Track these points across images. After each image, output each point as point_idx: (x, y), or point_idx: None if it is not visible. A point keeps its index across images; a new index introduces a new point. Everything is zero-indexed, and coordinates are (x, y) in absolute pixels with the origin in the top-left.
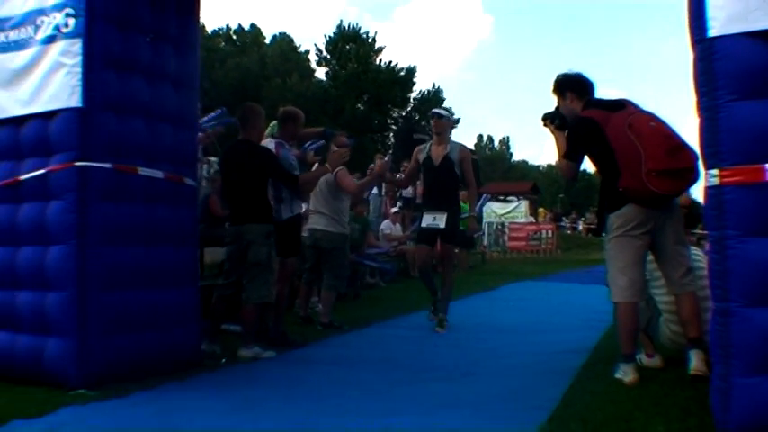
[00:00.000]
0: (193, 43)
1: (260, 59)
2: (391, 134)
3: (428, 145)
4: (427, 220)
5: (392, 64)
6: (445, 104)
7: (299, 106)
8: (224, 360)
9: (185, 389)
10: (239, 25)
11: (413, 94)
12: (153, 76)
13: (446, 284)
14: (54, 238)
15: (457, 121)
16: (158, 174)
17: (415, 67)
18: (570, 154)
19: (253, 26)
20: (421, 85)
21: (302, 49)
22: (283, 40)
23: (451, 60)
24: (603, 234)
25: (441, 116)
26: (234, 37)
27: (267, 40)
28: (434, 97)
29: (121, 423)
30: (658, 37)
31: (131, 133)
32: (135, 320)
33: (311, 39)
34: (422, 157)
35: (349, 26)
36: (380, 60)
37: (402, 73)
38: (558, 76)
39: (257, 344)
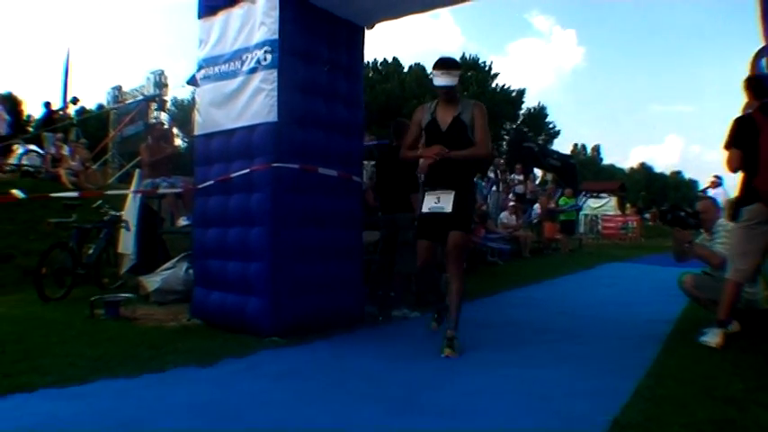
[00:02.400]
0: (359, 72)
1: (400, 84)
2: (504, 143)
3: (433, 104)
4: (429, 203)
5: (505, 86)
6: (547, 120)
7: None
8: (381, 318)
9: (352, 339)
10: (384, 58)
11: (522, 111)
12: (329, 97)
13: (454, 290)
14: (255, 220)
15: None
16: (333, 172)
17: (525, 89)
18: (729, 144)
19: (395, 59)
20: (528, 103)
21: None
22: (418, 69)
23: (552, 83)
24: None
25: (448, 65)
26: (380, 68)
27: (405, 70)
28: (539, 113)
29: (305, 362)
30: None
31: (313, 141)
32: (314, 285)
33: None
34: (425, 120)
35: (469, 57)
36: (496, 84)
37: (513, 94)
38: (746, 77)
39: (406, 306)
